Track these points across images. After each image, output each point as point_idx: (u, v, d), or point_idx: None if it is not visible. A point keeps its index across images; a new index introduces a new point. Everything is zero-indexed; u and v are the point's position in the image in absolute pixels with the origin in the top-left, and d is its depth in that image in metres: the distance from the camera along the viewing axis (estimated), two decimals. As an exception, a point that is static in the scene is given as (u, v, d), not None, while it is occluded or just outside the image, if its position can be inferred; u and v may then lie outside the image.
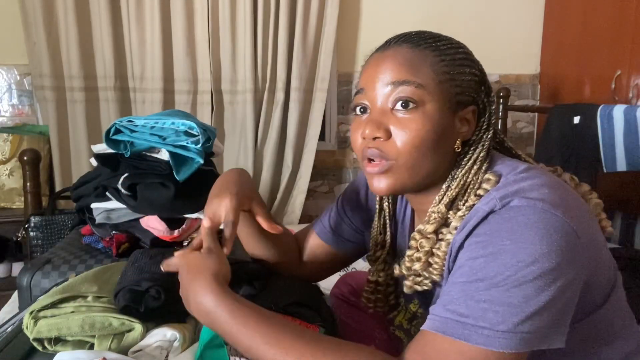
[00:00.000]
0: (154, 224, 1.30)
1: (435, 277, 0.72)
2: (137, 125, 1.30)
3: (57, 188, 2.33)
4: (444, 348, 0.60)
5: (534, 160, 0.79)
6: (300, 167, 2.63)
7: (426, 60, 0.70)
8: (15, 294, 1.29)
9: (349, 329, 1.04)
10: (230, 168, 0.92)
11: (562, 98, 2.71)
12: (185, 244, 1.33)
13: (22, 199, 1.86)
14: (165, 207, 1.29)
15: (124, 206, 1.31)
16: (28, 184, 1.79)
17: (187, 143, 1.29)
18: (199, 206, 1.29)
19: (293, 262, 0.98)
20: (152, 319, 0.87)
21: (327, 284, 1.07)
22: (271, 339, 0.64)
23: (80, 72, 2.30)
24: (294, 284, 0.94)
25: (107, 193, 1.33)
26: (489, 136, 0.73)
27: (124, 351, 0.83)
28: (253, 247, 0.95)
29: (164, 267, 0.77)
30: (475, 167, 0.71)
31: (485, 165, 0.72)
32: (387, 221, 0.87)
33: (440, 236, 0.71)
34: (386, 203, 0.87)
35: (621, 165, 1.97)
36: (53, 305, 0.87)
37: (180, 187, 1.27)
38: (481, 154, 0.72)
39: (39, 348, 0.84)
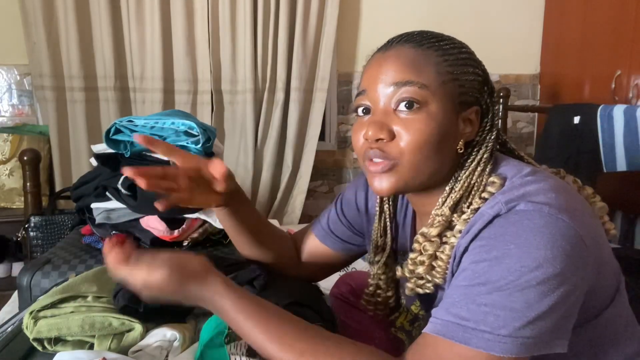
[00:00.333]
0: (154, 224, 1.30)
1: (438, 281, 0.71)
2: (137, 125, 1.30)
3: (57, 188, 2.34)
4: (444, 351, 0.60)
5: (535, 161, 0.79)
6: (300, 167, 2.63)
7: (429, 60, 0.68)
8: (15, 294, 1.29)
9: (349, 329, 1.04)
10: (230, 168, 0.87)
11: (562, 98, 2.70)
12: (185, 244, 1.33)
13: (22, 199, 1.86)
14: (165, 207, 1.29)
15: (124, 206, 1.31)
16: (28, 184, 1.79)
17: (187, 143, 1.29)
18: (199, 206, 1.29)
19: (291, 263, 0.98)
20: (152, 319, 0.87)
21: (327, 284, 1.07)
22: (273, 335, 0.64)
23: (80, 72, 2.30)
24: (294, 284, 0.94)
25: (107, 193, 1.33)
26: (492, 137, 0.72)
27: (124, 351, 0.83)
28: (242, 246, 0.94)
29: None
30: (479, 168, 0.70)
31: (489, 166, 0.71)
32: (388, 223, 0.86)
33: (444, 239, 0.70)
34: (386, 205, 0.85)
35: (621, 165, 1.97)
36: (53, 305, 0.87)
37: (180, 187, 1.27)
38: (485, 156, 0.71)
39: (39, 348, 0.84)
